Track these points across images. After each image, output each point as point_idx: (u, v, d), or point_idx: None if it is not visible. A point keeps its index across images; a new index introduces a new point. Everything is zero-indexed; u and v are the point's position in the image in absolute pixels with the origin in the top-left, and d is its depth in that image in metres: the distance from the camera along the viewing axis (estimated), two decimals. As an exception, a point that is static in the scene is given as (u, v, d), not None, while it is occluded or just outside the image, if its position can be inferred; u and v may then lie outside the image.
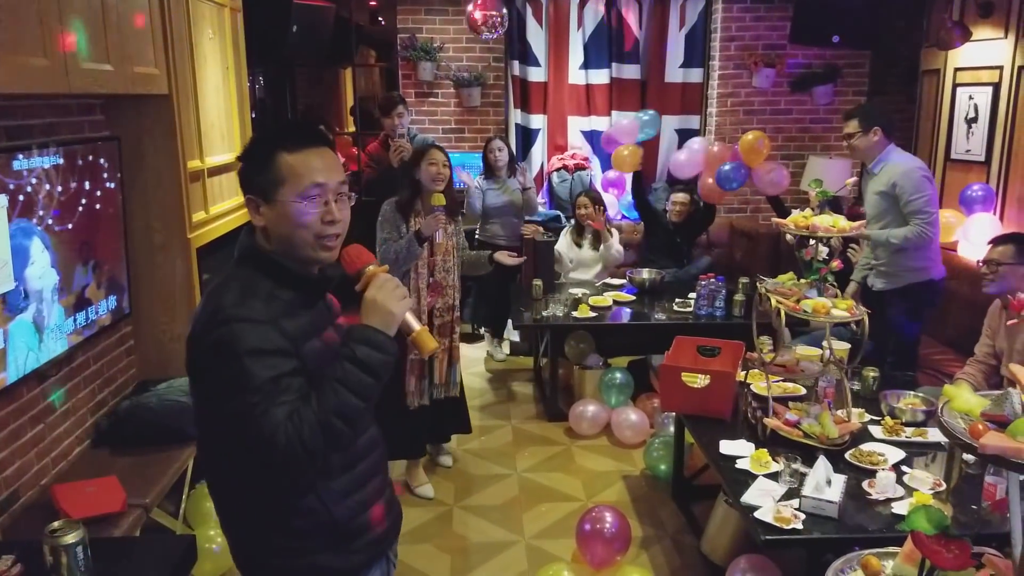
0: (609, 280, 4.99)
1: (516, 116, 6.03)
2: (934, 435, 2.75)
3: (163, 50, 3.02)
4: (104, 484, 2.54)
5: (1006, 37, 4.51)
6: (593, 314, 4.32)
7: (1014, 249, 2.99)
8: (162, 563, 1.68)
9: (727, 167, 4.83)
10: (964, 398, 1.32)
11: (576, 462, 3.97)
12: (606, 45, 5.92)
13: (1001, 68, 4.54)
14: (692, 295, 4.43)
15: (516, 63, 5.91)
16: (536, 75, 5.95)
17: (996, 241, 3.14)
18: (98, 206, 2.87)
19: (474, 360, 5.37)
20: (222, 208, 3.61)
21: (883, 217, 3.63)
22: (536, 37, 5.87)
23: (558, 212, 5.86)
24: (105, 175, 2.92)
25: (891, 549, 1.45)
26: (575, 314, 4.30)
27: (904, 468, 2.55)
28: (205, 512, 2.97)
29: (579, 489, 3.70)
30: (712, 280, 4.32)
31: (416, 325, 1.47)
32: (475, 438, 4.20)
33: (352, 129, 6.93)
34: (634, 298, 4.65)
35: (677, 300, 4.49)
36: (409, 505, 3.54)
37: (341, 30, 5.90)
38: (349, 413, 1.35)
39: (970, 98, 4.84)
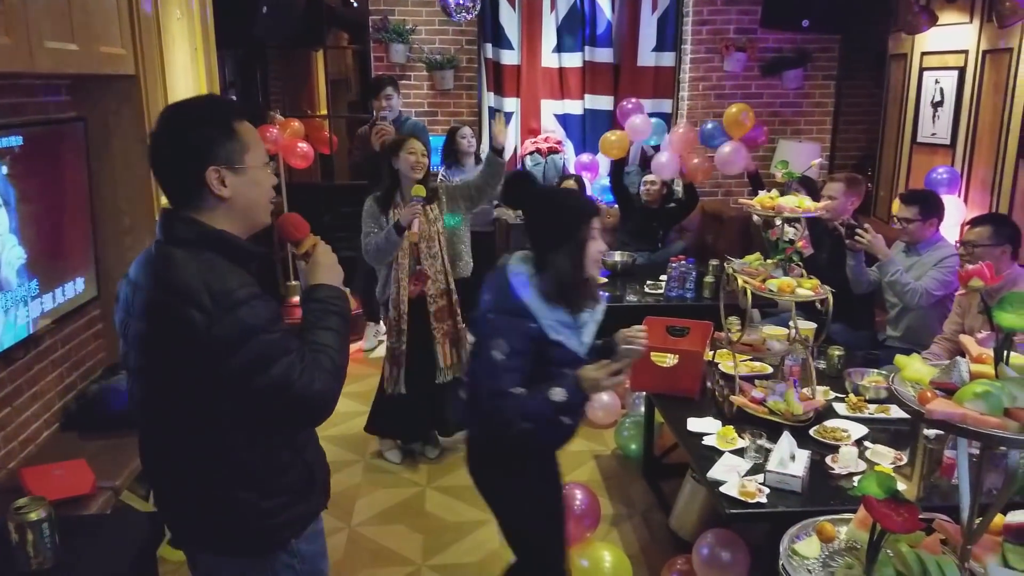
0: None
1: (489, 99, 6.01)
2: (896, 412, 2.82)
3: (130, 30, 2.98)
4: (73, 467, 2.53)
5: (971, 22, 4.58)
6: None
7: (991, 230, 2.99)
8: (129, 540, 1.69)
9: (708, 126, 4.94)
10: (914, 367, 1.36)
11: (549, 442, 4.01)
12: (579, 28, 5.92)
13: (966, 52, 4.62)
14: (663, 277, 4.48)
15: (489, 46, 5.89)
16: (509, 58, 5.94)
17: (973, 222, 3.13)
18: (64, 188, 2.83)
19: (448, 343, 5.39)
20: (191, 190, 3.58)
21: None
22: (509, 20, 5.86)
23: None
24: (71, 157, 2.88)
25: (845, 516, 1.50)
26: (548, 296, 4.32)
27: (866, 444, 2.61)
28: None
29: (551, 468, 3.74)
30: (682, 262, 4.38)
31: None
32: (449, 420, 4.23)
33: (324, 111, 6.87)
34: (606, 280, 4.69)
35: (648, 282, 4.53)
36: (382, 486, 3.57)
37: (312, 11, 5.83)
38: (346, 355, 1.54)
39: (936, 82, 4.92)
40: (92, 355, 3.19)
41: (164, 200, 3.26)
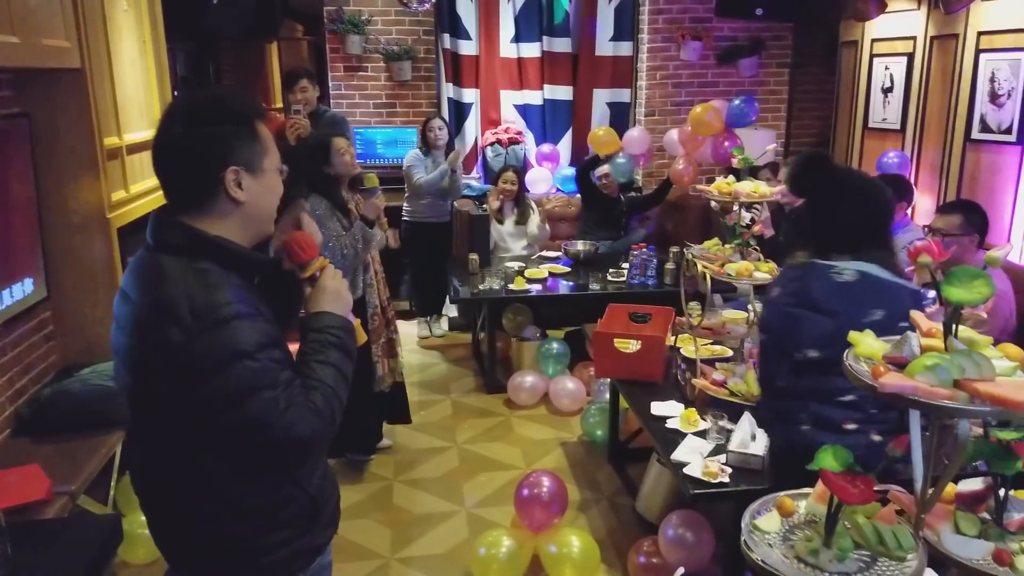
0: (544, 253, 5.06)
1: (448, 90, 5.98)
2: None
3: (74, 22, 2.89)
4: (27, 472, 2.46)
5: (919, 8, 4.68)
6: (529, 286, 4.37)
7: (961, 220, 2.94)
8: (86, 543, 1.65)
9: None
10: (867, 343, 1.39)
11: (515, 432, 4.03)
12: (536, 18, 5.91)
13: (915, 38, 4.72)
14: (625, 265, 4.52)
15: (447, 36, 5.85)
16: (467, 48, 5.91)
17: (943, 209, 3.12)
18: (8, 186, 2.75)
19: (412, 336, 5.36)
20: (144, 187, 3.49)
21: None
22: (466, 10, 5.82)
23: (493, 187, 5.86)
24: (15, 154, 2.79)
25: (805, 490, 1.53)
26: (511, 287, 4.34)
27: (824, 421, 2.66)
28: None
29: (518, 458, 3.76)
30: (644, 250, 4.43)
31: (351, 317, 1.50)
32: (414, 413, 4.20)
33: (279, 105, 6.76)
34: (569, 270, 4.72)
35: (611, 270, 4.57)
36: (349, 482, 3.54)
37: (265, 2, 5.72)
38: (343, 396, 1.39)
39: (886, 68, 5.02)
40: (44, 358, 3.10)
41: (117, 196, 3.19)
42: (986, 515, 1.35)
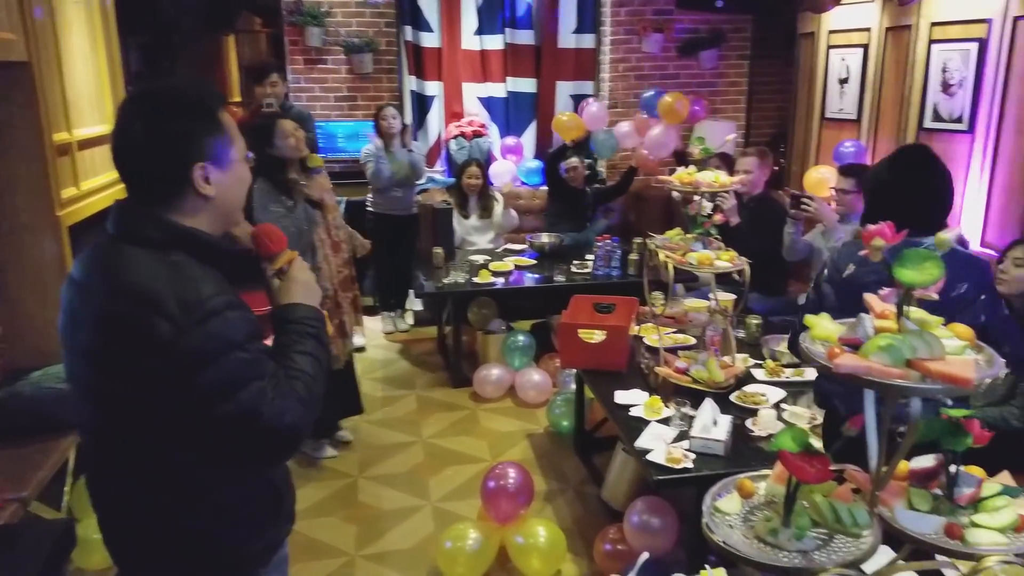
0: (510, 245, 5.06)
1: (411, 83, 5.93)
2: (811, 374, 2.93)
3: (19, 13, 2.80)
4: (-25, 478, 2.38)
5: (874, 0, 4.76)
6: (494, 279, 4.36)
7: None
8: (37, 549, 1.59)
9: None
10: (823, 326, 1.40)
11: (481, 425, 4.02)
12: (499, 10, 5.89)
13: (870, 30, 4.81)
14: (590, 257, 4.54)
15: (408, 28, 5.80)
16: (429, 41, 5.87)
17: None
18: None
19: (377, 332, 5.32)
20: (95, 183, 3.40)
21: None
22: (427, 1, 5.78)
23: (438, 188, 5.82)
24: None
25: (764, 472, 1.55)
26: (476, 280, 4.33)
27: (784, 406, 2.71)
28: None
29: (484, 450, 3.75)
30: (607, 241, 4.45)
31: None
32: (379, 409, 4.18)
33: (238, 99, 6.66)
34: (535, 262, 4.72)
35: (575, 262, 4.59)
36: (313, 480, 3.50)
37: (221, -5, 5.63)
38: (322, 385, 1.40)
39: (842, 59, 5.10)
40: (-7, 360, 3.01)
41: (67, 193, 3.10)
42: (938, 491, 1.38)
